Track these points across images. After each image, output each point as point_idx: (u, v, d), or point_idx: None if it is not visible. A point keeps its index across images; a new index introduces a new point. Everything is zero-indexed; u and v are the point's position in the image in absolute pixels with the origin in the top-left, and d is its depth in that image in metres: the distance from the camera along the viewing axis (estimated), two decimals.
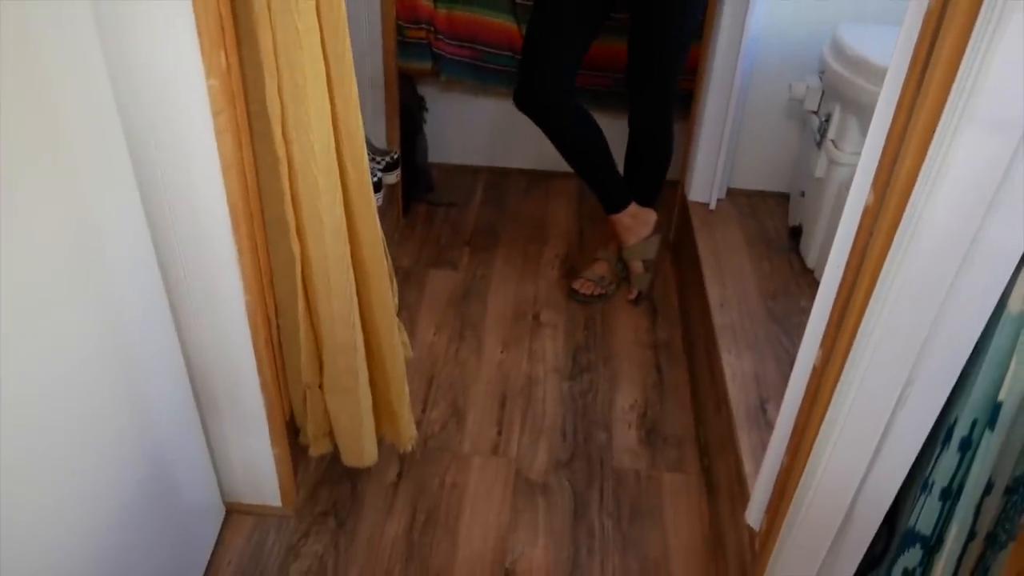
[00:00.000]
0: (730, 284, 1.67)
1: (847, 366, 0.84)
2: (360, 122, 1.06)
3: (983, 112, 0.67)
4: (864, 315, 0.81)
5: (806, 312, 0.97)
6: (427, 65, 2.22)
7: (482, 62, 2.21)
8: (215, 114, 0.96)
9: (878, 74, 1.45)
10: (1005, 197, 0.68)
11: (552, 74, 1.67)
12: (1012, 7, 0.61)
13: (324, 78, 1.00)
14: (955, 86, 0.69)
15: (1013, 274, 0.72)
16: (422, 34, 2.17)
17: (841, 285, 0.86)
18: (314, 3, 0.96)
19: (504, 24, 2.14)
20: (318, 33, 0.97)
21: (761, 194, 1.99)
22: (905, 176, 0.75)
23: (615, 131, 1.79)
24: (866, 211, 0.82)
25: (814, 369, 0.92)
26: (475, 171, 2.45)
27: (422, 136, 2.27)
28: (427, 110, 2.33)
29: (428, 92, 2.32)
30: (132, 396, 1.00)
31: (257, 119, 1.04)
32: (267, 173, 1.09)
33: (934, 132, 0.71)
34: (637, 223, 1.88)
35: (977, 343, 0.76)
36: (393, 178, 2.04)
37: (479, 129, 2.42)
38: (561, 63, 1.67)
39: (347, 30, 1.00)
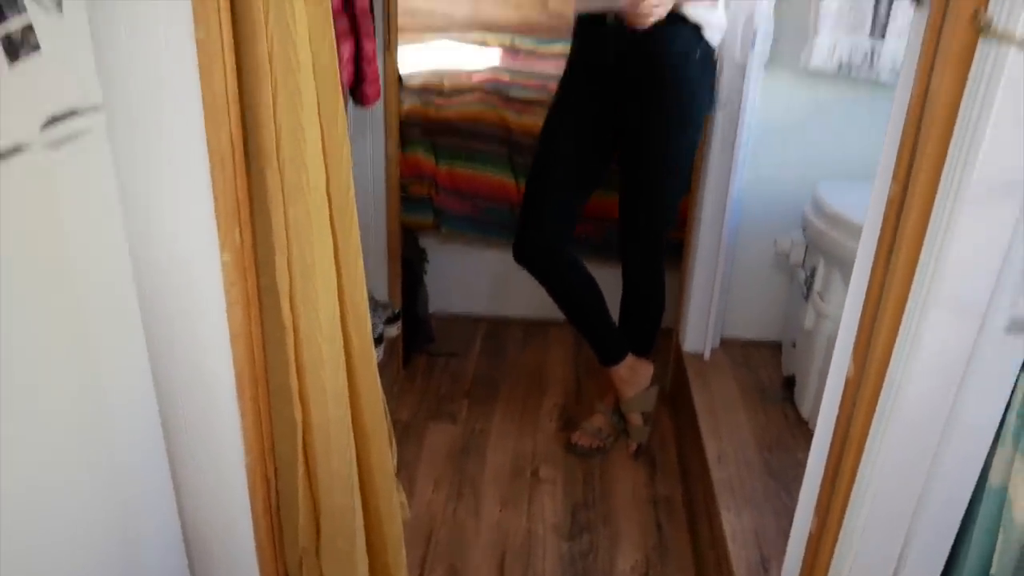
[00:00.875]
0: (726, 436, 1.67)
1: (842, 536, 0.84)
2: (365, 294, 1.11)
3: (945, 296, 0.71)
4: (854, 485, 0.82)
5: (802, 464, 0.98)
6: (428, 219, 2.32)
7: (482, 216, 2.30)
8: (227, 287, 1.01)
9: (855, 230, 1.50)
10: (974, 376, 0.72)
11: (549, 228, 1.72)
12: (960, 210, 0.67)
13: (332, 254, 1.07)
14: (918, 271, 0.74)
15: (991, 449, 0.74)
16: (424, 190, 2.28)
17: (830, 454, 0.88)
18: (324, 185, 1.04)
19: (503, 180, 2.25)
20: (327, 211, 1.05)
21: (754, 343, 2.04)
22: (881, 351, 0.79)
23: (608, 281, 1.84)
24: (848, 382, 0.85)
25: (810, 537, 0.92)
26: (475, 321, 2.50)
27: (423, 287, 2.33)
28: (428, 261, 2.41)
29: (428, 243, 2.40)
30: (126, 557, 0.99)
31: (266, 293, 1.10)
32: (273, 342, 1.13)
33: (903, 312, 0.76)
34: (634, 375, 1.89)
35: (965, 515, 0.78)
36: (394, 331, 2.09)
37: (478, 279, 2.48)
38: (558, 217, 1.73)
39: (355, 208, 1.07)
